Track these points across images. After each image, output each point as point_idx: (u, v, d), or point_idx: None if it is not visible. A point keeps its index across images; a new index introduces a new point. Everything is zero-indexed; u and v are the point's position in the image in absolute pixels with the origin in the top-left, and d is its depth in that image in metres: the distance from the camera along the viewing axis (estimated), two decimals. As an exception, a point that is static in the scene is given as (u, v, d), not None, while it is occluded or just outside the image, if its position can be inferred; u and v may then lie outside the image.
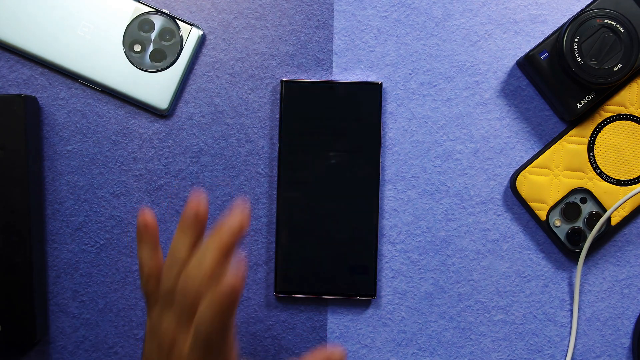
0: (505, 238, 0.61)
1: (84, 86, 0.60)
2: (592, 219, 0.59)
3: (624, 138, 0.60)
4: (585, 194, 0.60)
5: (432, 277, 0.61)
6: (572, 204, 0.59)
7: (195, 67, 0.61)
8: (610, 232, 0.60)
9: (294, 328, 0.61)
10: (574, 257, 0.61)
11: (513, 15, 0.61)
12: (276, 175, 0.60)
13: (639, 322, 0.60)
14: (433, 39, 0.61)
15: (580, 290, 0.61)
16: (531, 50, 0.58)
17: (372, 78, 0.61)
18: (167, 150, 0.61)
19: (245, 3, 0.61)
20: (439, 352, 0.61)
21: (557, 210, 0.60)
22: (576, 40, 0.56)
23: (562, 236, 0.60)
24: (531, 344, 0.61)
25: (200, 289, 0.46)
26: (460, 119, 0.61)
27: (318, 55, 0.61)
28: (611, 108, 0.59)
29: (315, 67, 0.61)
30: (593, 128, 0.60)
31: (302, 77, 0.61)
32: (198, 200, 0.49)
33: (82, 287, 0.61)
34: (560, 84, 0.58)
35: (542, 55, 0.58)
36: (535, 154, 0.60)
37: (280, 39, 0.61)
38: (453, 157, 0.61)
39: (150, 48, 0.59)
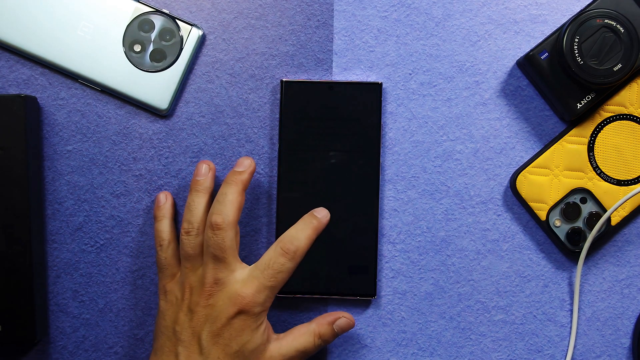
0: (505, 238, 0.61)
1: (84, 86, 0.60)
2: (592, 219, 0.59)
3: (624, 138, 0.60)
4: (585, 194, 0.60)
5: (432, 277, 0.61)
6: (572, 204, 0.59)
7: (195, 67, 0.61)
8: (610, 232, 0.60)
9: (294, 328, 0.61)
10: (574, 257, 0.61)
11: (513, 15, 0.61)
12: (276, 175, 0.60)
13: (639, 322, 0.60)
14: (433, 39, 0.61)
15: (580, 290, 0.61)
16: (531, 50, 0.58)
17: (372, 78, 0.61)
18: (167, 150, 0.61)
19: (245, 3, 0.61)
20: (439, 352, 0.61)
21: (557, 210, 0.60)
22: (576, 40, 0.56)
23: (562, 236, 0.60)
24: (531, 344, 0.61)
25: (230, 223, 0.53)
26: (460, 119, 0.61)
27: (318, 55, 0.61)
28: (611, 108, 0.59)
29: (315, 67, 0.61)
30: (593, 128, 0.60)
31: (302, 77, 0.61)
32: (207, 162, 0.57)
33: (82, 287, 0.61)
34: (560, 84, 0.58)
35: (542, 55, 0.58)
36: (535, 154, 0.60)
37: (280, 39, 0.61)
38: (453, 157, 0.61)
39: (150, 48, 0.59)
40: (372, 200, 0.59)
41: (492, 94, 0.61)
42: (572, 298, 0.61)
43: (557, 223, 0.60)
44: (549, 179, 0.59)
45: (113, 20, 0.59)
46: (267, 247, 0.61)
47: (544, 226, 0.60)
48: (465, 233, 0.61)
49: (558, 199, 0.59)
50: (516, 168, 0.61)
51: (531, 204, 0.59)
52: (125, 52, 0.59)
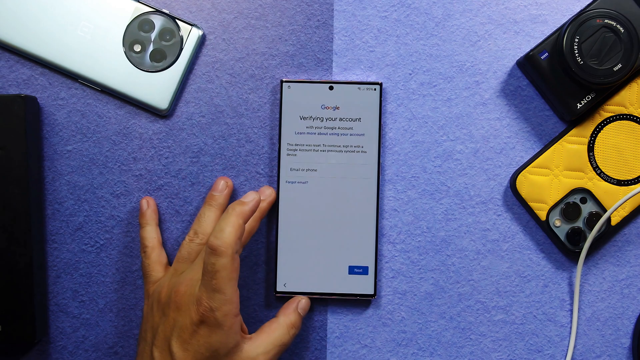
0: (505, 238, 0.61)
1: (84, 86, 0.60)
2: (592, 219, 0.59)
3: (624, 138, 0.60)
4: (585, 194, 0.60)
5: (432, 277, 0.61)
6: (572, 204, 0.59)
7: (195, 67, 0.61)
8: (610, 232, 0.60)
9: (294, 328, 0.61)
10: (574, 257, 0.61)
11: (513, 15, 0.61)
12: (276, 175, 0.60)
13: (639, 322, 0.60)
14: (433, 39, 0.61)
15: (580, 290, 0.61)
16: (531, 50, 0.58)
17: (372, 78, 0.61)
18: (167, 150, 0.61)
19: (245, 3, 0.61)
20: (439, 352, 0.61)
21: (557, 210, 0.60)
22: (576, 40, 0.56)
23: (562, 236, 0.60)
24: (531, 344, 0.61)
25: (230, 245, 0.51)
26: (460, 119, 0.61)
27: (318, 55, 0.61)
28: (611, 108, 0.59)
29: (315, 67, 0.61)
30: (593, 128, 0.60)
31: (302, 77, 0.61)
32: (225, 179, 0.59)
33: (82, 287, 0.61)
34: (560, 84, 0.58)
35: (542, 55, 0.58)
36: (535, 154, 0.60)
37: (280, 39, 0.61)
38: (453, 157, 0.61)
39: (150, 48, 0.59)
40: (372, 200, 0.59)
41: (492, 94, 0.61)
42: (572, 298, 0.61)
43: (557, 223, 0.60)
44: (549, 179, 0.59)
45: (113, 20, 0.59)
46: (267, 247, 0.61)
47: (544, 226, 0.60)
48: (465, 233, 0.61)
49: (558, 199, 0.59)
50: (516, 168, 0.61)
51: (531, 204, 0.59)
52: (125, 52, 0.59)
